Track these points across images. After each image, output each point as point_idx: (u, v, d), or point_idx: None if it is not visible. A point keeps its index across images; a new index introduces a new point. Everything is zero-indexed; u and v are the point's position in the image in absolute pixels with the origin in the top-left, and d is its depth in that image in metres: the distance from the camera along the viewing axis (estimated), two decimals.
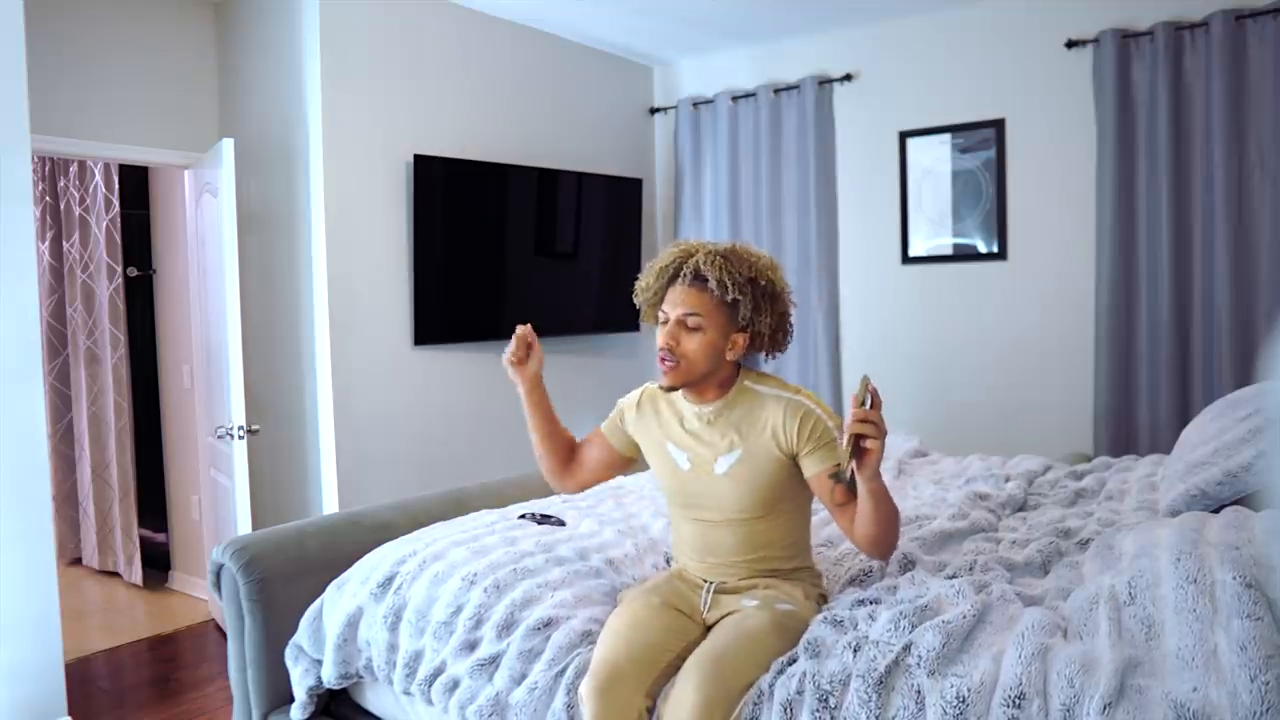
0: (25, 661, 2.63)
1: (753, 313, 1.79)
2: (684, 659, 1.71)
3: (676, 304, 1.80)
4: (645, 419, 1.97)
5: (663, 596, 1.85)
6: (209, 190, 3.60)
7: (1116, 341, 3.72)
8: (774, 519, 1.86)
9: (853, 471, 1.67)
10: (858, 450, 1.65)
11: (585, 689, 1.65)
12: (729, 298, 1.77)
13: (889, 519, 1.72)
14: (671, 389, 1.84)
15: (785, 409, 1.80)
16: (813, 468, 1.80)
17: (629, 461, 2.07)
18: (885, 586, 1.87)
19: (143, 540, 4.52)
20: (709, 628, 1.82)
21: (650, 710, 1.65)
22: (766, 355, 1.90)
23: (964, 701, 1.44)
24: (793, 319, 1.89)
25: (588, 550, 2.19)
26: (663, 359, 1.80)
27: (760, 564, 1.87)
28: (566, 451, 2.09)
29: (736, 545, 1.86)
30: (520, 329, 2.03)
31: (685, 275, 1.80)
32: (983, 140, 4.04)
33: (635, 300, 1.92)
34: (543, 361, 2.04)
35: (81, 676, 3.32)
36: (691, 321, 1.78)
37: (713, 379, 1.84)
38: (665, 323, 1.82)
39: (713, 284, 1.77)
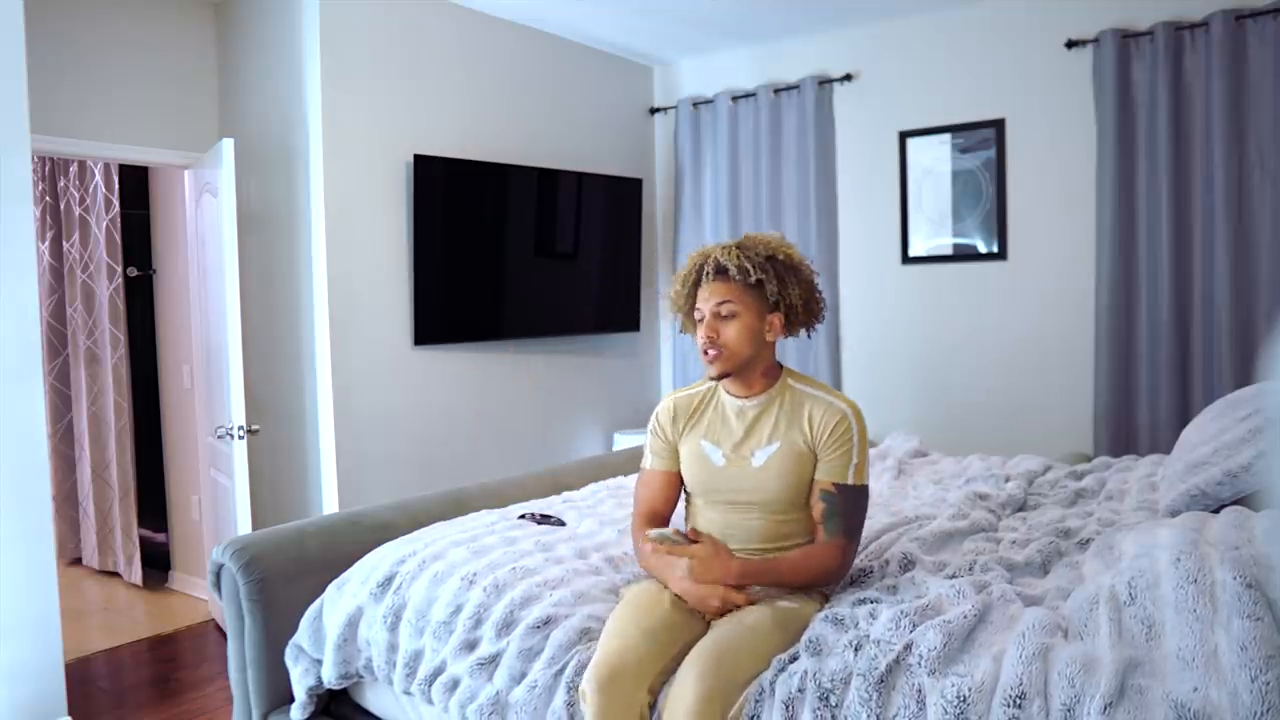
0: (25, 661, 2.63)
1: (779, 287, 1.87)
2: (687, 654, 1.71)
3: (707, 298, 1.88)
4: (682, 425, 1.99)
5: (668, 591, 1.85)
6: (209, 190, 3.60)
7: (1116, 341, 3.71)
8: (799, 513, 1.90)
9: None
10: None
11: (587, 684, 1.65)
12: (753, 279, 1.84)
13: (792, 580, 1.83)
14: (722, 375, 1.89)
15: (826, 410, 1.87)
16: (820, 472, 1.87)
17: None
18: (885, 586, 1.88)
19: (143, 540, 4.52)
20: (709, 623, 1.83)
21: (652, 706, 1.66)
22: (808, 331, 1.97)
23: (965, 701, 1.44)
24: (820, 289, 1.96)
25: (587, 550, 2.20)
26: (705, 350, 1.88)
27: (775, 555, 1.89)
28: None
29: (759, 533, 1.90)
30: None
31: (707, 273, 1.88)
32: (983, 140, 4.04)
33: (672, 313, 2.00)
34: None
35: (81, 676, 3.32)
36: (725, 310, 1.86)
37: (757, 366, 1.91)
38: (702, 320, 1.89)
39: (734, 271, 1.85)
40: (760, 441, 1.90)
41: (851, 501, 1.86)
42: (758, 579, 1.82)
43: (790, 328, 1.93)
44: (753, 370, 1.91)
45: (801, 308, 1.90)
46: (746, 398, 1.93)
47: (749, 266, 1.84)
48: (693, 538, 1.84)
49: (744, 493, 1.89)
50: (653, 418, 2.04)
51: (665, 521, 2.03)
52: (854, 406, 1.89)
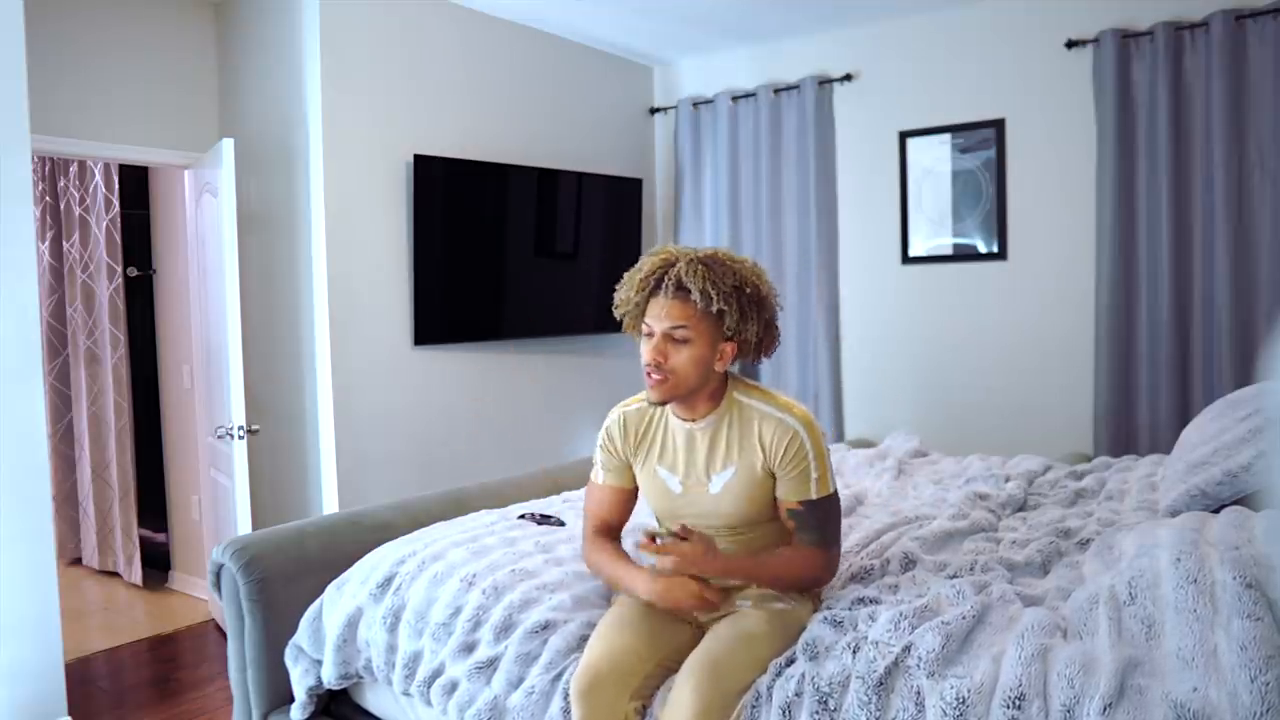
0: (25, 661, 2.63)
1: (739, 322, 1.74)
2: (675, 660, 1.70)
3: (661, 317, 1.74)
4: (631, 441, 1.90)
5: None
6: (209, 190, 3.60)
7: (1116, 341, 3.71)
8: (767, 526, 1.85)
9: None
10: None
11: (571, 692, 1.65)
12: (714, 308, 1.71)
13: (774, 584, 1.79)
14: (661, 403, 1.79)
15: (776, 428, 1.77)
16: (781, 491, 1.79)
17: (638, 490, 1.98)
18: (886, 585, 1.87)
19: (143, 540, 4.52)
20: (701, 629, 1.81)
21: (642, 712, 1.65)
22: (756, 361, 1.86)
23: (964, 703, 1.44)
24: (780, 322, 1.84)
25: None
26: (650, 373, 1.75)
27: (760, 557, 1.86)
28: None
29: (730, 551, 1.85)
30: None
31: (667, 287, 1.73)
32: (983, 140, 4.04)
33: (615, 313, 1.83)
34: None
35: (81, 676, 3.32)
36: (679, 334, 1.72)
37: (702, 391, 1.79)
38: (650, 335, 1.76)
39: (696, 295, 1.70)
40: (715, 466, 1.80)
41: (822, 513, 1.79)
42: (741, 574, 1.77)
43: (741, 357, 1.81)
44: (696, 396, 1.79)
45: (756, 344, 1.79)
46: (693, 421, 1.81)
47: (713, 294, 1.69)
48: (681, 535, 1.74)
49: (705, 516, 1.83)
50: (602, 431, 1.93)
51: (618, 535, 1.97)
52: (805, 418, 1.78)
